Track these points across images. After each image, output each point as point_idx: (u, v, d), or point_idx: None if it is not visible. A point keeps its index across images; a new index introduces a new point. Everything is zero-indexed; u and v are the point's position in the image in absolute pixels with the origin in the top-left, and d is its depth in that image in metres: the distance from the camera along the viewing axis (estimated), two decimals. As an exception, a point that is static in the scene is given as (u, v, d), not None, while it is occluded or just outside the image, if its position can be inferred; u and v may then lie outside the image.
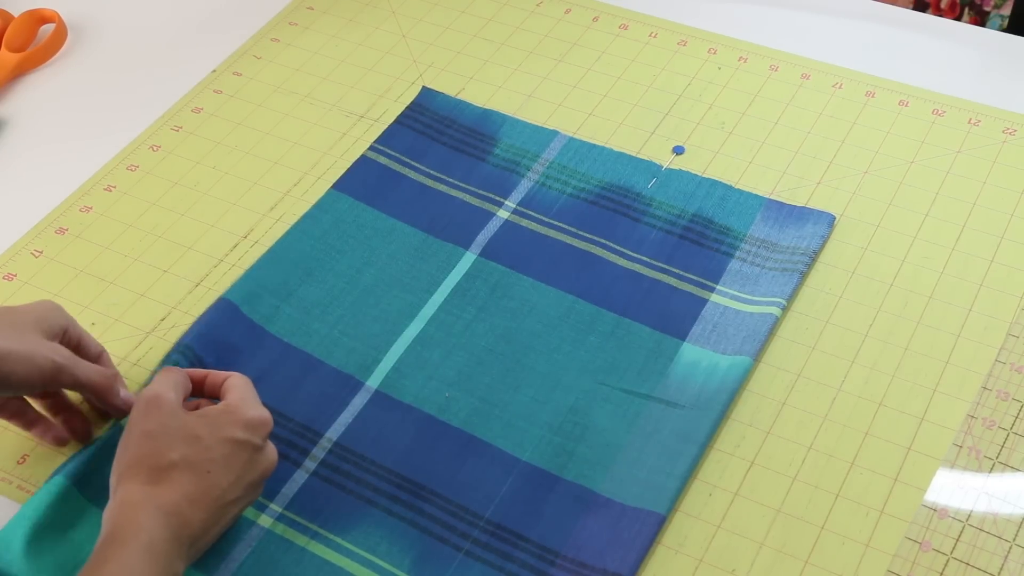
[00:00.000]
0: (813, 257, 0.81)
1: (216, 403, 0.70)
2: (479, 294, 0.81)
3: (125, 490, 0.63)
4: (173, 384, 0.69)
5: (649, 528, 0.68)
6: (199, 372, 0.72)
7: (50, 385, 0.69)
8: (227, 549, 0.68)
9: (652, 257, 0.83)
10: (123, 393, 0.73)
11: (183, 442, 0.65)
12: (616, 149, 0.90)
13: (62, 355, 0.69)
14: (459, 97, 0.96)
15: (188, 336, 0.79)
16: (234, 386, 0.70)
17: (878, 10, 1.02)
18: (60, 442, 0.74)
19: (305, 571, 0.68)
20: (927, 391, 0.74)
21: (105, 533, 0.61)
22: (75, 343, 0.72)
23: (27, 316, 0.70)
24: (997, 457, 0.70)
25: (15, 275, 0.85)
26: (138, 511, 0.61)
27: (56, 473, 0.71)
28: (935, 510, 0.68)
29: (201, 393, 0.72)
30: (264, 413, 0.68)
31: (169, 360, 0.78)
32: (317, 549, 0.69)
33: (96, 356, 0.74)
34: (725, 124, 0.92)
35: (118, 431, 0.73)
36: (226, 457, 0.65)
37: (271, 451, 0.69)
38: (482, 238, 0.85)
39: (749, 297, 0.79)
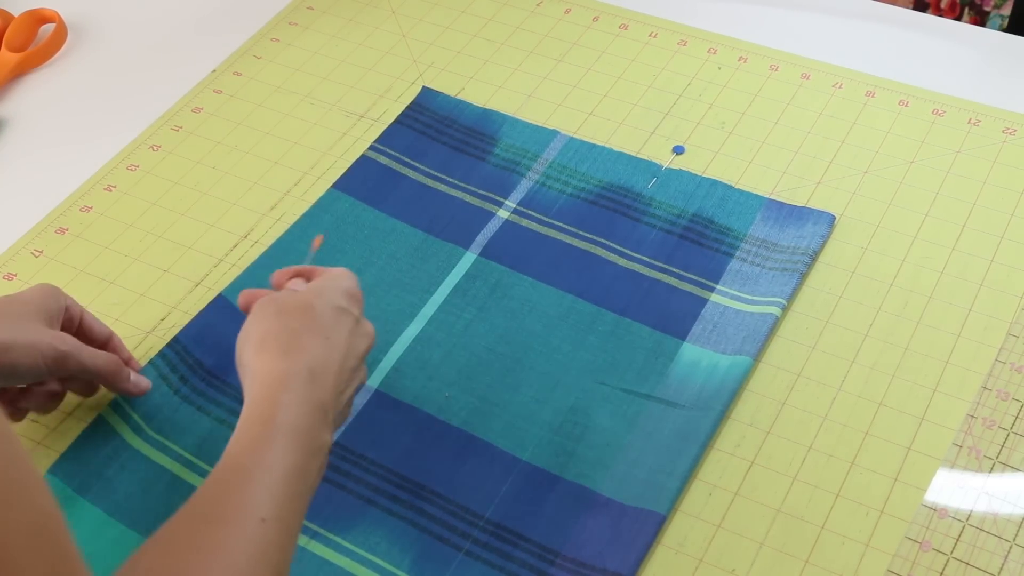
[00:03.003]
0: (813, 257, 0.81)
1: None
2: (479, 294, 0.81)
3: (262, 364, 0.63)
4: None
5: (649, 528, 0.68)
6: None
7: (56, 372, 0.70)
8: (227, 549, 0.68)
9: (652, 257, 0.83)
10: (133, 377, 0.74)
11: (301, 312, 0.66)
12: (616, 149, 0.90)
13: (66, 343, 0.70)
14: (459, 97, 0.96)
15: (184, 335, 0.79)
16: (319, 270, 0.71)
17: (878, 10, 1.02)
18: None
19: (305, 571, 0.68)
20: (927, 391, 0.74)
21: (254, 414, 0.61)
22: (77, 322, 0.73)
23: (27, 306, 0.71)
24: (997, 457, 0.70)
25: (15, 275, 0.85)
26: (280, 383, 0.62)
27: (47, 473, 0.72)
28: (935, 510, 0.68)
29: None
30: (355, 286, 0.69)
31: (163, 355, 0.78)
32: (317, 549, 0.69)
33: (104, 340, 0.75)
34: (725, 124, 0.92)
35: (99, 426, 0.74)
36: (336, 323, 0.66)
37: (370, 326, 0.69)
38: (482, 238, 0.85)
39: (749, 297, 0.79)
